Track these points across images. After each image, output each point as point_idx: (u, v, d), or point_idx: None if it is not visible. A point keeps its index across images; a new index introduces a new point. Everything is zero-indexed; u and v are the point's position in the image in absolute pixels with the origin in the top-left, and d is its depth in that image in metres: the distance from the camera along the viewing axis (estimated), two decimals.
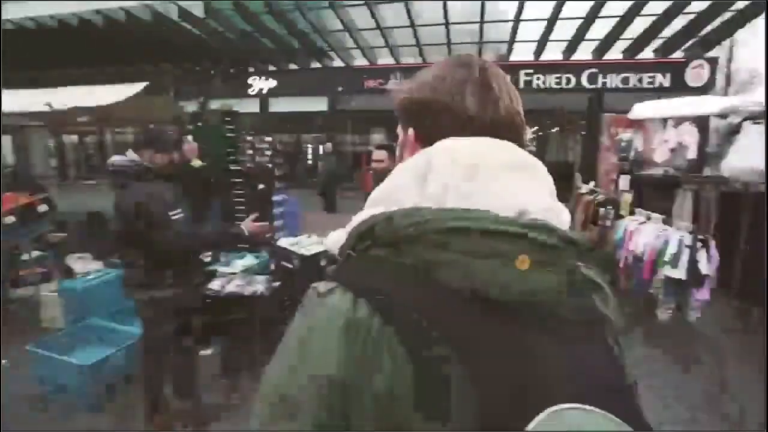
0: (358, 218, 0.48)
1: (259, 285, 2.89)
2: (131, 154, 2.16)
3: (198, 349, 2.63)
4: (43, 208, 3.89)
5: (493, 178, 0.46)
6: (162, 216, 2.02)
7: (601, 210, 5.33)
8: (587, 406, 0.37)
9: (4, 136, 14.42)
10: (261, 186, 5.75)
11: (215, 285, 2.90)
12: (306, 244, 3.63)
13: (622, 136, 5.84)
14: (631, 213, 4.20)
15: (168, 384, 2.40)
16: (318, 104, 13.20)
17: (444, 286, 0.40)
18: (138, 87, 5.20)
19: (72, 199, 5.72)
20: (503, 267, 0.40)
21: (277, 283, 2.99)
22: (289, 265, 3.58)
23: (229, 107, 6.09)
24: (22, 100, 5.43)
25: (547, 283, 0.41)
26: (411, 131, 0.57)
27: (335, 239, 0.51)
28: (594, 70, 10.53)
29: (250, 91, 13.23)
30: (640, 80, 10.19)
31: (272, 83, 13.20)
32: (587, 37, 9.62)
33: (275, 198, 6.25)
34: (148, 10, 9.81)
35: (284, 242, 3.77)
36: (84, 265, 4.55)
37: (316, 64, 12.70)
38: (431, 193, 0.46)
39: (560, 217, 0.48)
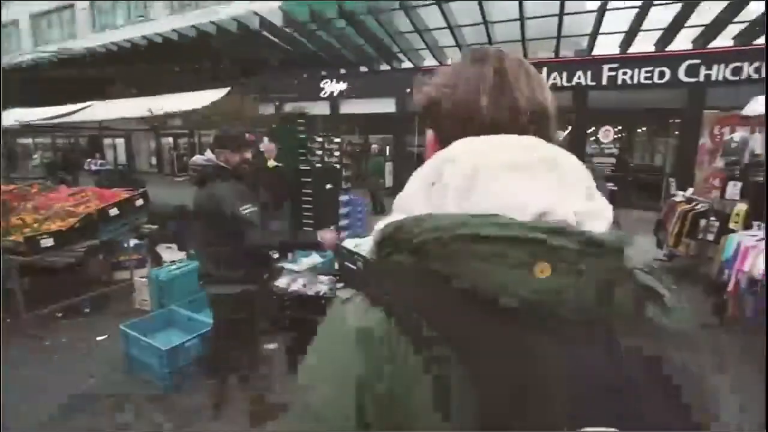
0: (379, 225, 0.48)
1: (323, 286, 2.92)
2: (209, 154, 2.27)
3: (263, 344, 2.71)
4: (139, 202, 4.35)
5: (503, 180, 0.44)
6: (233, 211, 2.10)
7: (702, 221, 4.63)
8: (611, 429, 0.37)
9: (118, 140, 16.62)
10: (329, 186, 5.89)
11: (282, 282, 2.98)
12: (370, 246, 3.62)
13: (733, 136, 5.02)
14: (747, 227, 3.56)
15: (234, 376, 2.51)
16: (387, 106, 13.34)
17: (457, 291, 0.40)
18: (221, 92, 5.61)
19: (165, 194, 6.35)
20: (518, 274, 0.39)
21: (341, 285, 2.99)
22: (353, 267, 3.58)
23: (302, 109, 6.32)
24: (129, 108, 6.15)
25: (569, 290, 0.40)
26: (430, 133, 0.57)
27: (368, 245, 0.51)
28: (695, 61, 9.27)
29: (321, 94, 13.78)
30: (757, 70, 8.73)
31: (343, 86, 13.61)
32: (687, 24, 8.50)
33: (342, 198, 6.37)
34: (235, 22, 10.66)
35: (348, 243, 3.78)
36: (170, 255, 5.02)
37: (384, 67, 12.84)
38: (436, 197, 0.46)
39: (593, 218, 0.45)
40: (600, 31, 9.30)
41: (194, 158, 2.33)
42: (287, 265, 3.55)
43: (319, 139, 6.15)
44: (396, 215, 0.47)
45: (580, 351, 0.41)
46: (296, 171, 5.89)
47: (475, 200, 0.44)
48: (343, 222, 6.39)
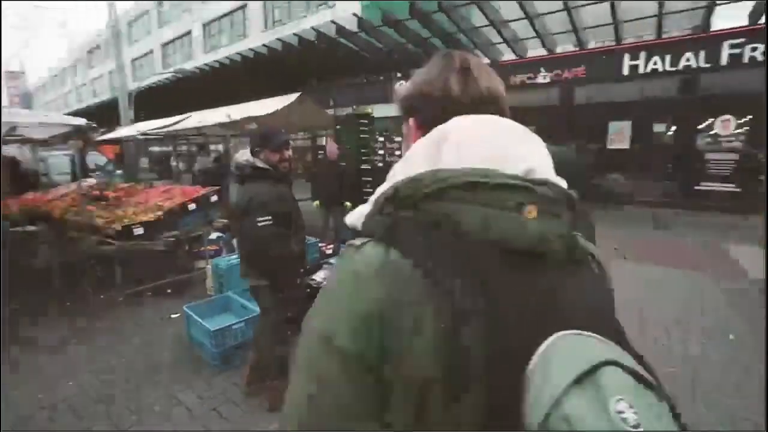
0: (381, 189, 0.55)
1: None
2: (247, 154, 2.32)
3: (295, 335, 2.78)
4: (214, 198, 4.84)
5: (500, 142, 0.54)
6: (252, 220, 2.16)
7: None
8: (587, 333, 0.44)
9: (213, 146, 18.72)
10: None
11: (319, 276, 3.05)
12: None
13: None
14: None
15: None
16: None
17: (463, 235, 0.46)
18: (292, 97, 5.97)
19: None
20: (514, 216, 0.47)
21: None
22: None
23: (364, 110, 6.44)
24: (216, 116, 6.90)
25: (552, 230, 0.48)
26: (411, 121, 0.67)
27: (357, 214, 0.57)
28: None
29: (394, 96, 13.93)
30: None
31: None
32: None
33: None
34: (313, 31, 11.30)
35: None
36: None
37: None
38: (445, 158, 0.54)
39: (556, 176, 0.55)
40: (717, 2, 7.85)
41: (236, 156, 2.41)
42: (331, 260, 3.63)
43: (381, 139, 6.20)
44: (394, 179, 0.54)
45: (580, 283, 0.51)
46: (358, 171, 6.02)
47: (473, 159, 0.51)
48: None
